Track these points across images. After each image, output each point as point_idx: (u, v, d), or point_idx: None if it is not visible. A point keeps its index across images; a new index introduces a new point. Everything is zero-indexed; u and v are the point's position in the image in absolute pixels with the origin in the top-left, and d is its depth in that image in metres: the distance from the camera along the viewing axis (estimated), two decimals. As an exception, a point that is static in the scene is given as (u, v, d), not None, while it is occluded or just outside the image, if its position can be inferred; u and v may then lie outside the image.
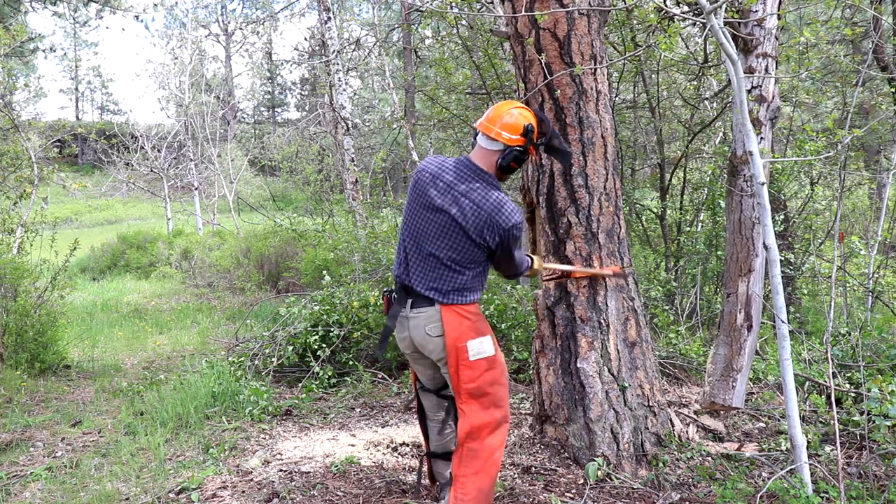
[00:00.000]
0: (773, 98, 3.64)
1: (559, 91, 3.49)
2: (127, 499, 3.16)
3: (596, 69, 3.52)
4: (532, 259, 2.90)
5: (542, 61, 3.47)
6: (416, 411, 3.07)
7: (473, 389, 2.66)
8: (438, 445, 3.00)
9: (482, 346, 2.65)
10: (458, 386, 2.67)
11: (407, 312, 2.71)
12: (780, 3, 3.62)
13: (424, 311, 2.66)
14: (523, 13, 3.46)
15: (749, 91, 3.59)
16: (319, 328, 5.40)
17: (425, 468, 3.11)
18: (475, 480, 2.63)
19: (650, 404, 3.50)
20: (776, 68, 3.68)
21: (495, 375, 2.70)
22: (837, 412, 3.57)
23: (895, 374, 3.97)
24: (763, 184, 2.76)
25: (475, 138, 2.72)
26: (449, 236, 2.62)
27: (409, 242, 2.72)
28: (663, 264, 6.75)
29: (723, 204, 5.75)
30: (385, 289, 2.98)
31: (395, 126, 11.51)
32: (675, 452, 3.44)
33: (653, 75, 6.94)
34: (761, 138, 3.59)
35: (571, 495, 3.08)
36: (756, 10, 3.54)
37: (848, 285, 5.83)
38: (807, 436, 3.22)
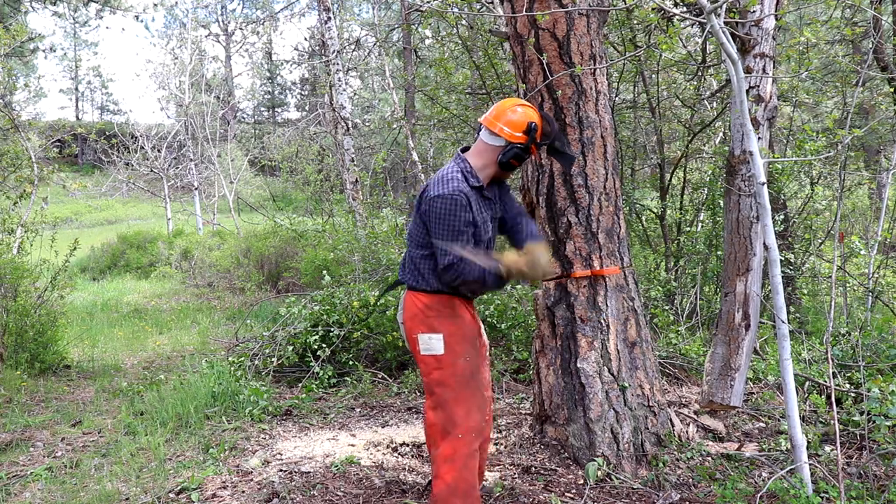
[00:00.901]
0: (770, 98, 3.64)
1: (559, 91, 3.49)
2: (127, 499, 3.16)
3: (595, 69, 3.52)
4: (500, 263, 2.53)
5: (542, 61, 3.47)
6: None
7: (425, 384, 2.67)
8: None
9: (430, 343, 2.60)
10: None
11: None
12: (777, 3, 3.62)
13: (400, 295, 2.77)
14: (523, 13, 3.46)
15: (747, 91, 3.59)
16: (319, 328, 5.40)
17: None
18: (436, 483, 2.62)
19: (650, 404, 3.50)
20: (773, 68, 3.68)
21: (443, 377, 2.60)
22: (837, 412, 3.57)
23: (895, 374, 3.97)
24: (763, 184, 2.76)
25: (478, 133, 2.70)
26: (413, 216, 2.67)
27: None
28: (663, 264, 6.75)
29: (722, 204, 5.75)
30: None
31: (395, 126, 11.51)
32: (675, 452, 3.44)
33: (653, 75, 6.95)
34: (759, 138, 3.59)
35: (571, 495, 3.08)
36: (754, 11, 3.55)
37: (848, 285, 5.83)
38: (807, 436, 3.22)
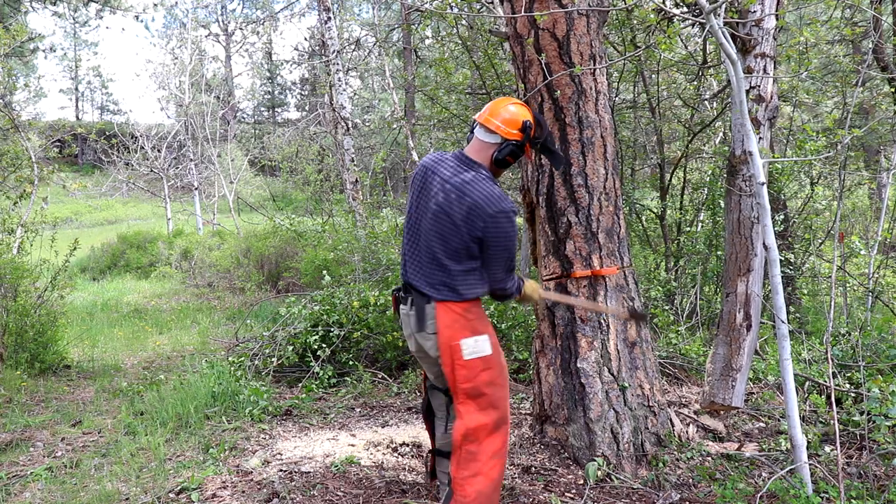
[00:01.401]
0: (771, 98, 3.64)
1: (559, 91, 3.49)
2: (127, 499, 3.16)
3: (595, 69, 3.52)
4: (523, 281, 2.81)
5: (542, 61, 3.47)
6: (424, 409, 3.04)
7: (470, 389, 2.62)
8: (444, 444, 2.97)
9: (477, 345, 2.60)
10: (454, 386, 2.63)
11: (407, 310, 2.71)
12: (777, 3, 3.62)
13: (422, 307, 2.64)
14: (522, 14, 3.46)
15: (747, 91, 3.59)
16: (319, 328, 5.40)
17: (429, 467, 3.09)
18: (474, 483, 2.60)
19: (650, 404, 3.50)
20: (774, 68, 3.68)
21: (492, 376, 2.65)
22: (837, 412, 3.57)
23: (895, 374, 3.97)
24: (763, 184, 2.76)
25: (472, 132, 2.71)
26: (440, 228, 2.59)
27: (408, 239, 2.73)
28: (663, 264, 6.75)
29: (723, 204, 5.75)
30: (394, 287, 2.98)
31: (395, 126, 11.52)
32: (675, 452, 3.44)
33: (653, 75, 6.95)
34: (760, 138, 3.60)
35: (571, 495, 3.08)
36: (754, 11, 3.55)
37: (848, 285, 5.83)
38: (807, 436, 3.22)
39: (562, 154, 2.88)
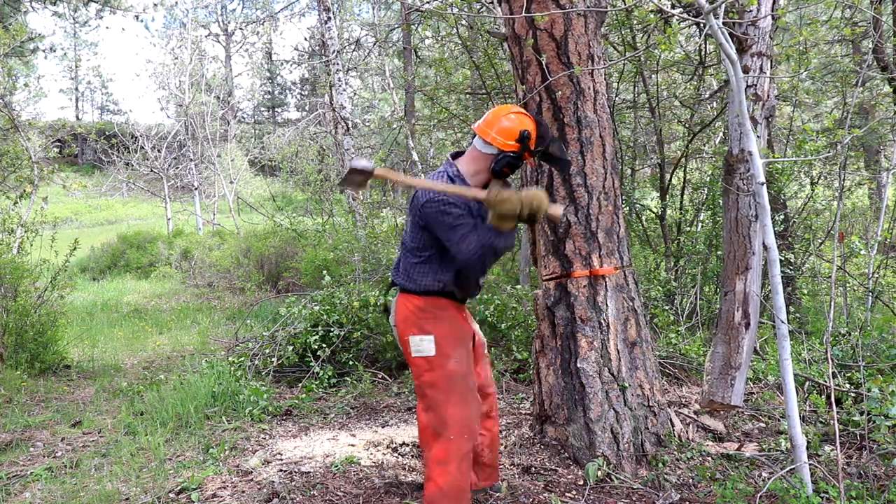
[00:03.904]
0: (768, 97, 3.64)
1: (558, 92, 3.49)
2: (127, 499, 3.16)
3: (594, 69, 3.52)
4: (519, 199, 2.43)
5: (541, 62, 3.47)
6: None
7: (416, 386, 2.69)
8: None
9: (422, 345, 2.60)
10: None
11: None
12: (773, 2, 3.62)
13: (393, 297, 2.78)
14: (521, 15, 3.46)
15: (745, 90, 3.59)
16: (319, 328, 5.40)
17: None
18: (428, 486, 2.63)
19: (650, 404, 3.50)
20: (771, 67, 3.68)
21: (434, 378, 2.60)
22: (837, 412, 3.57)
23: (895, 374, 3.97)
24: (762, 184, 2.76)
25: (472, 139, 2.70)
26: (407, 223, 2.71)
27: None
28: (663, 264, 6.75)
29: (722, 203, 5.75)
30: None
31: (395, 126, 11.51)
32: (675, 452, 3.44)
33: (652, 75, 6.95)
34: (757, 137, 3.59)
35: (571, 495, 3.08)
36: (751, 11, 3.55)
37: (848, 285, 5.83)
38: (807, 436, 3.22)
39: (568, 160, 2.83)
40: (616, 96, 7.28)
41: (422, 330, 2.61)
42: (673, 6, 5.06)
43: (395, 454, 3.64)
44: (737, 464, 3.37)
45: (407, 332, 2.64)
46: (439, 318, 2.66)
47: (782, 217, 6.55)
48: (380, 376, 5.28)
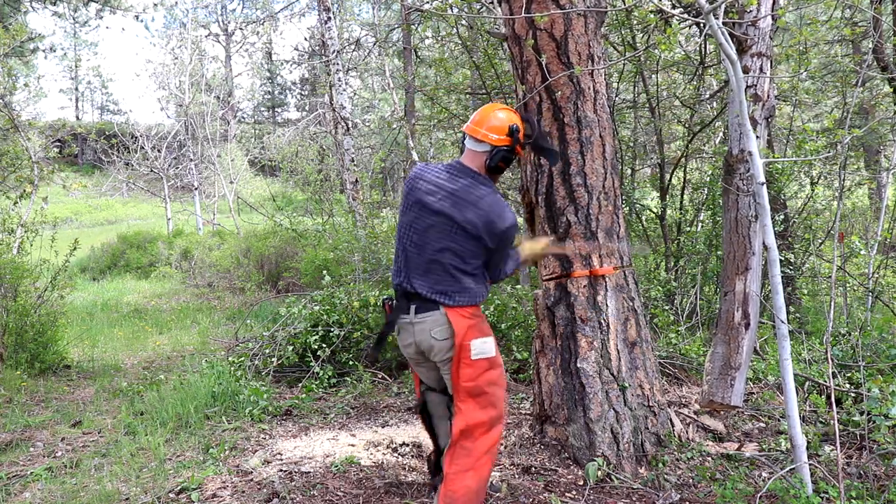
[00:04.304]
0: (767, 97, 3.64)
1: (560, 92, 3.49)
2: (127, 499, 3.16)
3: (593, 69, 3.52)
4: (518, 252, 2.96)
5: (541, 62, 3.47)
6: (419, 412, 3.06)
7: (472, 388, 2.69)
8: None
9: (484, 347, 2.71)
10: (457, 384, 2.71)
11: (411, 318, 2.73)
12: (773, 2, 3.62)
13: (430, 315, 2.69)
14: (521, 15, 3.46)
15: (745, 90, 3.59)
16: (319, 328, 5.40)
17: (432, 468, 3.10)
18: (464, 478, 2.65)
19: (650, 404, 3.50)
20: (770, 68, 3.68)
21: (494, 376, 2.74)
22: (837, 412, 3.57)
23: (895, 374, 3.97)
24: (762, 184, 2.76)
25: (463, 143, 2.81)
26: (450, 238, 2.67)
27: (410, 248, 2.74)
28: (663, 264, 6.75)
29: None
30: (384, 297, 3.01)
31: (395, 126, 11.52)
32: (675, 452, 3.44)
33: (652, 75, 6.95)
34: (757, 137, 3.59)
35: (571, 495, 3.08)
36: (751, 11, 3.54)
37: (848, 285, 5.83)
38: (807, 436, 3.22)
39: (556, 150, 3.01)
40: (616, 96, 7.28)
41: (482, 333, 2.73)
42: (673, 6, 5.06)
43: (395, 454, 3.64)
44: (737, 464, 3.37)
45: (469, 336, 2.69)
46: (485, 321, 2.83)
47: (782, 217, 6.55)
48: (380, 376, 5.28)
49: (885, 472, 3.11)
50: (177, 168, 23.47)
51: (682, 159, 7.02)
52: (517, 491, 3.08)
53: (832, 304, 3.57)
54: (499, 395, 2.76)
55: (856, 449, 3.38)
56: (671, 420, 3.61)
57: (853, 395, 3.80)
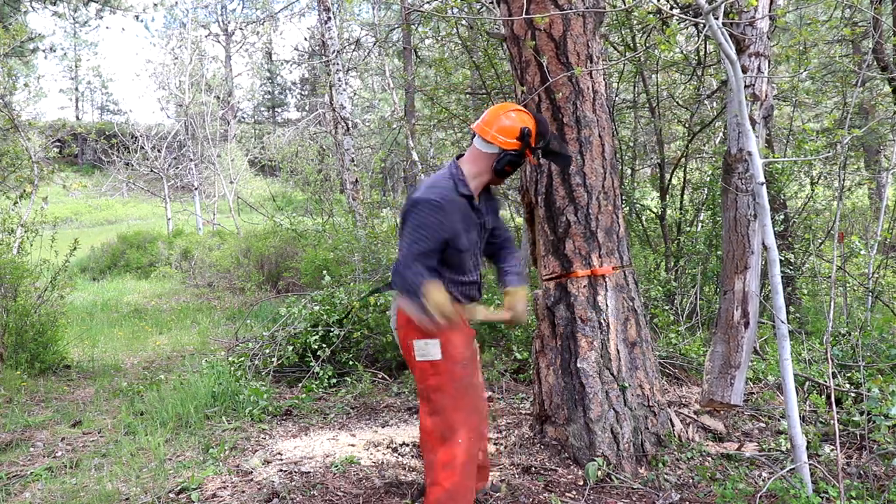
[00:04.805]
0: (766, 97, 3.64)
1: (560, 93, 3.49)
2: (127, 499, 3.16)
3: (593, 70, 3.52)
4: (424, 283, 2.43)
5: (540, 62, 3.47)
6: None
7: (421, 390, 2.63)
8: None
9: (427, 349, 2.53)
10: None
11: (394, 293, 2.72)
12: (770, 2, 3.62)
13: (392, 296, 2.70)
14: (521, 16, 3.46)
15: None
16: (319, 328, 5.40)
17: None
18: (433, 490, 2.57)
19: (650, 404, 3.50)
20: (768, 67, 3.68)
21: (440, 383, 2.55)
22: (837, 412, 3.57)
23: (895, 374, 3.97)
24: (762, 183, 2.76)
25: (472, 139, 2.67)
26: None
27: None
28: (663, 264, 6.75)
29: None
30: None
31: (395, 126, 11.52)
32: (675, 452, 3.44)
33: (652, 76, 6.95)
34: (756, 136, 3.59)
35: (571, 495, 3.08)
36: (749, 11, 3.54)
37: (848, 285, 5.82)
38: (807, 436, 3.22)
39: (569, 154, 2.82)
40: (616, 96, 7.28)
41: (426, 333, 2.51)
42: (672, 7, 5.06)
43: (395, 454, 3.64)
44: (737, 464, 3.37)
45: (410, 335, 2.56)
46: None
47: (782, 217, 6.55)
48: (380, 376, 5.28)
49: (885, 472, 3.11)
50: (177, 168, 23.48)
51: (682, 159, 7.02)
52: (517, 491, 3.08)
53: (832, 304, 3.56)
54: (444, 405, 2.54)
55: (856, 449, 3.38)
56: (671, 420, 3.61)
57: (853, 395, 3.80)
